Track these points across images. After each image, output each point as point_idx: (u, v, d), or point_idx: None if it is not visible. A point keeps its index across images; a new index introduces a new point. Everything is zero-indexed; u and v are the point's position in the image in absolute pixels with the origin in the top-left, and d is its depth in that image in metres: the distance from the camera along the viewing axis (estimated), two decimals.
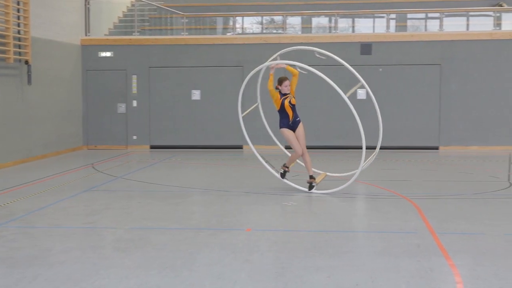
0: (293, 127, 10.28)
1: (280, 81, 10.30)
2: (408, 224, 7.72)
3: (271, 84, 10.27)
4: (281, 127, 10.32)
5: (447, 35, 18.21)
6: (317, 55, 10.83)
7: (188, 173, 13.30)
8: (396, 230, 7.45)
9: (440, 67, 18.14)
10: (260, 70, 11.15)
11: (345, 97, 9.62)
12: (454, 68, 18.16)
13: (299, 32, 19.88)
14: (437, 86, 18.24)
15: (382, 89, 18.18)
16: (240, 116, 11.34)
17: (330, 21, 19.70)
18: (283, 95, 10.25)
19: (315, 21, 20.40)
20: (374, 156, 10.74)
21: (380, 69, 18.33)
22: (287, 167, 10.76)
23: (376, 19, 19.68)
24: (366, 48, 18.29)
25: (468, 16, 19.40)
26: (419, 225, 7.61)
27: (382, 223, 7.86)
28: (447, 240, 6.82)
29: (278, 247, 6.59)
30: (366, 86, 10.76)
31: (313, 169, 10.54)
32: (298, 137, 10.28)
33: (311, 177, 10.34)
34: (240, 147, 18.69)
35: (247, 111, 11.70)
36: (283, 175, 10.75)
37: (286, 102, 10.22)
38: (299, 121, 10.34)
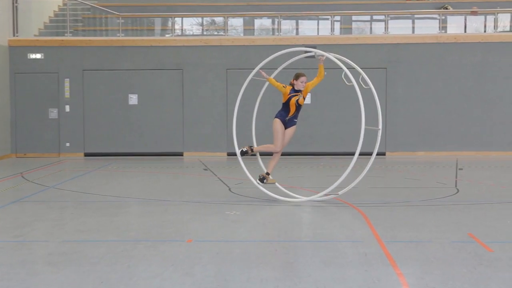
0: (286, 124, 10.26)
1: (297, 76, 10.18)
2: (355, 233, 7.82)
3: (276, 83, 10.24)
4: (276, 116, 10.30)
5: (392, 38, 18.59)
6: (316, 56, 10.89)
7: (125, 182, 13.13)
8: (342, 239, 7.53)
9: (386, 70, 18.49)
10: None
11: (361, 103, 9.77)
12: (400, 72, 18.55)
13: (241, 34, 19.94)
14: (383, 90, 18.56)
15: (327, 94, 18.40)
16: (234, 121, 11.17)
17: (273, 22, 19.83)
18: (295, 91, 10.11)
19: (258, 22, 20.51)
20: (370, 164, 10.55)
21: (325, 73, 18.53)
22: (253, 150, 10.63)
23: (321, 21, 19.92)
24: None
25: (413, 19, 19.84)
26: (366, 234, 7.72)
27: (329, 232, 7.93)
28: (395, 248, 6.94)
29: (221, 259, 6.57)
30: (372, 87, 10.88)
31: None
32: (285, 136, 10.28)
33: (268, 173, 10.38)
34: (181, 154, 18.58)
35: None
36: (244, 152, 10.66)
37: (293, 100, 10.10)
38: (294, 123, 10.33)
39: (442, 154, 18.36)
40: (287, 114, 10.20)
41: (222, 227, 8.30)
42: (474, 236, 7.49)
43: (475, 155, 18.26)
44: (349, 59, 19.80)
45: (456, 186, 12.12)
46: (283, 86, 10.20)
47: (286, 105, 10.19)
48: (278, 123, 10.23)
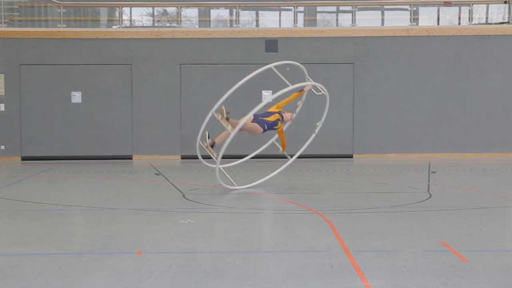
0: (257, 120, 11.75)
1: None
2: (320, 242, 7.86)
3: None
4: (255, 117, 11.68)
5: (360, 30, 18.77)
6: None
7: (68, 188, 12.99)
8: (306, 249, 7.57)
9: (353, 66, 18.67)
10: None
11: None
12: (368, 67, 18.75)
13: (196, 26, 19.93)
14: (350, 87, 18.75)
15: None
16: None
17: (231, 13, 19.86)
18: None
19: (214, 13, 20.52)
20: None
21: (287, 68, 18.63)
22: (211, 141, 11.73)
23: (283, 12, 20.01)
24: (271, 44, 18.55)
25: (383, 10, 20.07)
26: (332, 243, 7.77)
27: (291, 241, 7.96)
28: (363, 258, 7.00)
29: (174, 272, 6.54)
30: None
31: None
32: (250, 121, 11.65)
33: (213, 142, 11.62)
34: (129, 158, 18.46)
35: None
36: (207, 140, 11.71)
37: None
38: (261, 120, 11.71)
39: (413, 156, 18.60)
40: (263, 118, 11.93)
41: (175, 237, 8.27)
42: (448, 245, 7.60)
43: (449, 157, 18.55)
44: (314, 53, 20.01)
45: (428, 190, 12.29)
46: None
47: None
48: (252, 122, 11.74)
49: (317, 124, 12.87)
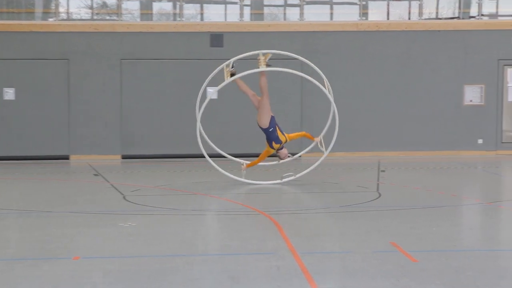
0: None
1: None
2: (267, 244, 7.90)
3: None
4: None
5: (308, 25, 18.90)
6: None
7: (0, 191, 12.76)
8: (253, 251, 7.59)
9: (301, 62, 18.75)
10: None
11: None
12: (317, 63, 18.76)
13: (138, 19, 19.78)
14: (298, 83, 18.83)
15: (237, 88, 18.49)
16: (198, 120, 11.50)
17: (174, 6, 19.77)
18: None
19: (157, 6, 20.42)
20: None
21: (235, 64, 18.62)
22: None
23: (228, 6, 20.02)
24: (216, 39, 18.54)
25: (331, 4, 20.24)
26: (279, 245, 7.81)
27: (237, 243, 7.98)
28: (311, 260, 7.05)
29: (114, 277, 6.49)
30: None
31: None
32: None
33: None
34: (66, 158, 18.23)
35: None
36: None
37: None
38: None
39: (362, 155, 18.81)
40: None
41: (115, 241, 8.21)
42: (397, 245, 7.71)
43: (399, 155, 18.82)
44: (261, 48, 19.95)
45: (378, 190, 12.45)
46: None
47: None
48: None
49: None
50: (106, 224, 9.23)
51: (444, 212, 10.15)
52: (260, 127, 12.53)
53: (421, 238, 8.20)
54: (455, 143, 18.94)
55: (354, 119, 18.85)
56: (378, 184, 13.15)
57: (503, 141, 19.15)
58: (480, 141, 18.97)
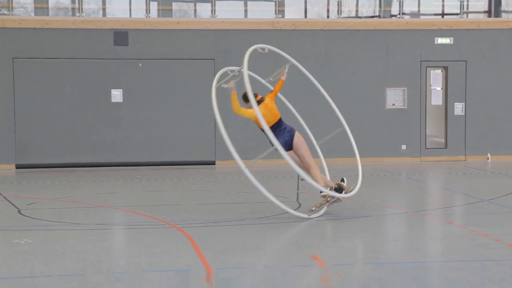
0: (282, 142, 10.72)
1: (244, 99, 10.67)
2: (179, 260, 7.87)
3: (237, 105, 10.51)
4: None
5: (221, 23, 18.94)
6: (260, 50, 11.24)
7: None
8: (165, 268, 7.55)
9: (214, 62, 18.81)
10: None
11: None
12: (231, 64, 18.78)
13: (32, 14, 19.41)
14: (210, 86, 18.77)
15: (143, 90, 18.38)
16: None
17: (73, 1, 19.50)
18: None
19: (54, 0, 20.06)
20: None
21: (140, 64, 18.55)
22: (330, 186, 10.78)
23: (133, 0, 19.87)
24: (121, 36, 18.38)
25: (246, 1, 20.36)
26: (192, 260, 7.79)
27: (147, 259, 7.92)
28: (226, 276, 7.06)
29: None
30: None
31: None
32: (295, 151, 10.77)
33: (335, 187, 10.82)
34: None
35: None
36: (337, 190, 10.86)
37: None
38: (288, 131, 10.96)
39: (281, 162, 18.90)
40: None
41: (8, 259, 8.02)
42: (318, 259, 7.81)
43: (317, 162, 19.03)
44: (170, 48, 19.86)
45: (297, 199, 12.58)
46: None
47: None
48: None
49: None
50: None
51: (367, 223, 10.33)
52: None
53: (343, 251, 8.32)
54: (378, 149, 19.32)
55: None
56: (297, 194, 13.28)
57: (427, 147, 19.67)
58: (403, 146, 19.43)
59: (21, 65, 18.05)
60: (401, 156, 19.44)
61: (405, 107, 19.50)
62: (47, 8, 19.72)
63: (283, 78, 11.75)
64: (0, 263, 7.83)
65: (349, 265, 7.64)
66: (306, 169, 10.83)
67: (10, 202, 12.24)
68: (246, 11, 20.23)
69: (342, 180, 11.18)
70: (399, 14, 20.21)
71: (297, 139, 10.86)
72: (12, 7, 18.80)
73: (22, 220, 10.60)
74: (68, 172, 17.06)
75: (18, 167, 17.76)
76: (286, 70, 11.45)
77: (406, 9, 20.39)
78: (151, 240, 9.05)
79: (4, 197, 12.93)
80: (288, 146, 10.80)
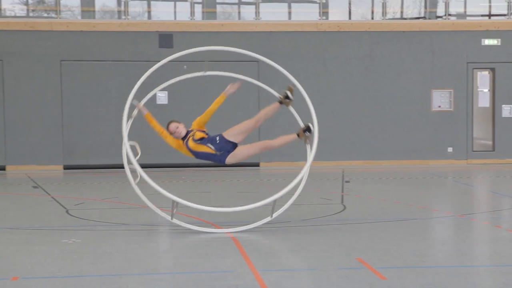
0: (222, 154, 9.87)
1: (167, 125, 9.86)
2: (224, 261, 7.89)
3: (157, 126, 9.81)
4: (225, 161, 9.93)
5: (265, 25, 18.96)
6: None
7: None
8: (209, 269, 7.57)
9: (258, 64, 18.82)
10: None
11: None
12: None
13: (79, 17, 19.63)
14: (255, 88, 18.86)
15: (188, 92, 18.48)
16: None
17: (119, 3, 19.68)
18: (184, 137, 9.84)
19: (100, 3, 20.28)
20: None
21: (185, 67, 18.61)
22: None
23: (178, 3, 19.99)
24: (165, 39, 18.50)
25: (289, 3, 20.34)
26: (237, 262, 7.80)
27: (192, 261, 7.95)
28: (272, 279, 7.06)
29: None
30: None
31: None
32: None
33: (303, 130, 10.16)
34: (3, 169, 17.99)
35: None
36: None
37: (191, 143, 9.83)
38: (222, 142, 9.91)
39: (325, 164, 18.90)
40: (212, 154, 9.94)
41: (57, 259, 8.12)
42: (364, 261, 7.77)
43: (364, 165, 18.98)
44: (213, 50, 19.79)
45: (342, 202, 12.53)
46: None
47: (197, 154, 9.98)
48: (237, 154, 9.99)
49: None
50: (47, 241, 9.12)
51: (414, 226, 10.25)
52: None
53: (389, 254, 8.27)
54: (424, 152, 19.17)
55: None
56: (342, 196, 13.23)
57: (474, 150, 19.45)
58: (450, 149, 19.24)
59: (68, 67, 18.28)
60: (447, 158, 19.26)
61: (451, 109, 19.31)
62: (94, 11, 19.94)
63: (226, 93, 10.67)
64: (50, 262, 7.94)
65: (395, 268, 7.58)
66: (267, 147, 10.40)
67: (58, 203, 12.40)
68: (290, 13, 20.22)
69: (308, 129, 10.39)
70: (445, 15, 20.03)
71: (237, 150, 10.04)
72: (59, 11, 19.04)
73: (70, 220, 10.73)
74: (115, 173, 17.20)
75: (65, 168, 17.99)
76: (235, 87, 10.78)
77: (452, 10, 20.20)
78: (196, 241, 9.09)
79: (52, 197, 13.12)
80: (229, 149, 9.97)
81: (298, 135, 10.21)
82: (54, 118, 18.21)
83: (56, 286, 6.89)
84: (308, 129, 10.24)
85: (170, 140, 9.86)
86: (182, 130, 9.86)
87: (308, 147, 10.30)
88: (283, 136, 10.34)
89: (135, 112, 10.18)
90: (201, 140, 9.90)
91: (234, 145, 9.94)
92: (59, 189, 14.54)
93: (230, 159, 9.92)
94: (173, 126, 9.85)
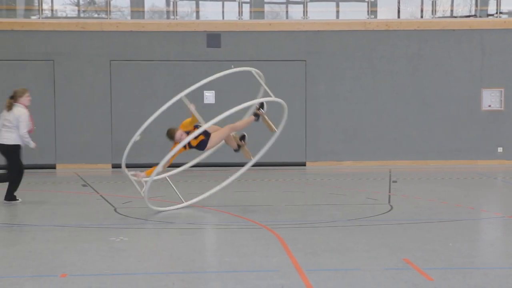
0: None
1: (171, 136, 11.17)
2: (269, 260, 7.88)
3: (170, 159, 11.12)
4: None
5: (312, 24, 18.91)
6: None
7: None
8: (254, 268, 7.58)
9: (305, 63, 18.81)
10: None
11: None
12: (322, 65, 18.90)
13: (128, 18, 19.81)
14: (302, 87, 18.87)
15: (235, 91, 18.51)
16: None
17: (167, 4, 19.80)
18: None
19: (149, 3, 20.44)
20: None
21: (232, 66, 18.62)
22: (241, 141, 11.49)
23: (226, 3, 20.05)
24: (213, 39, 18.57)
25: (337, 2, 20.28)
26: (282, 261, 7.79)
27: (237, 259, 7.97)
28: (317, 278, 7.04)
29: None
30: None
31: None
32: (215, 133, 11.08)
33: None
34: (53, 167, 18.22)
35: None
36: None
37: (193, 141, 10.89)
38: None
39: (372, 164, 18.81)
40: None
41: (105, 256, 8.19)
42: (410, 262, 7.70)
43: (411, 164, 18.83)
44: (261, 49, 19.98)
45: (389, 202, 12.44)
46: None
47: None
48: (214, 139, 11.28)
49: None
50: (95, 238, 9.21)
51: (461, 226, 10.14)
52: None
53: (436, 255, 8.18)
54: (472, 152, 18.94)
55: (361, 125, 18.86)
56: (389, 196, 13.14)
57: None
58: (500, 149, 18.98)
59: (118, 67, 18.46)
60: (497, 159, 19.00)
61: (501, 109, 19.05)
62: (143, 11, 20.10)
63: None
64: (98, 260, 8.02)
65: (442, 269, 7.51)
66: (232, 129, 11.46)
67: (107, 201, 12.53)
68: (338, 12, 20.14)
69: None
70: (496, 13, 19.76)
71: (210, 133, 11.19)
72: (109, 11, 19.24)
73: (118, 218, 10.82)
74: (162, 172, 17.31)
75: (114, 166, 18.16)
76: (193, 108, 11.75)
77: (504, 8, 19.90)
78: (241, 240, 9.10)
79: (101, 195, 13.25)
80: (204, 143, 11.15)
81: (254, 114, 11.49)
82: (103, 117, 18.41)
83: (104, 283, 6.95)
84: (261, 106, 11.51)
85: (178, 148, 10.89)
86: (184, 133, 11.02)
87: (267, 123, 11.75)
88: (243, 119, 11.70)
89: (137, 137, 11.82)
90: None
91: (209, 134, 11.11)
92: (107, 187, 14.69)
93: (209, 145, 11.17)
94: (178, 134, 11.08)
